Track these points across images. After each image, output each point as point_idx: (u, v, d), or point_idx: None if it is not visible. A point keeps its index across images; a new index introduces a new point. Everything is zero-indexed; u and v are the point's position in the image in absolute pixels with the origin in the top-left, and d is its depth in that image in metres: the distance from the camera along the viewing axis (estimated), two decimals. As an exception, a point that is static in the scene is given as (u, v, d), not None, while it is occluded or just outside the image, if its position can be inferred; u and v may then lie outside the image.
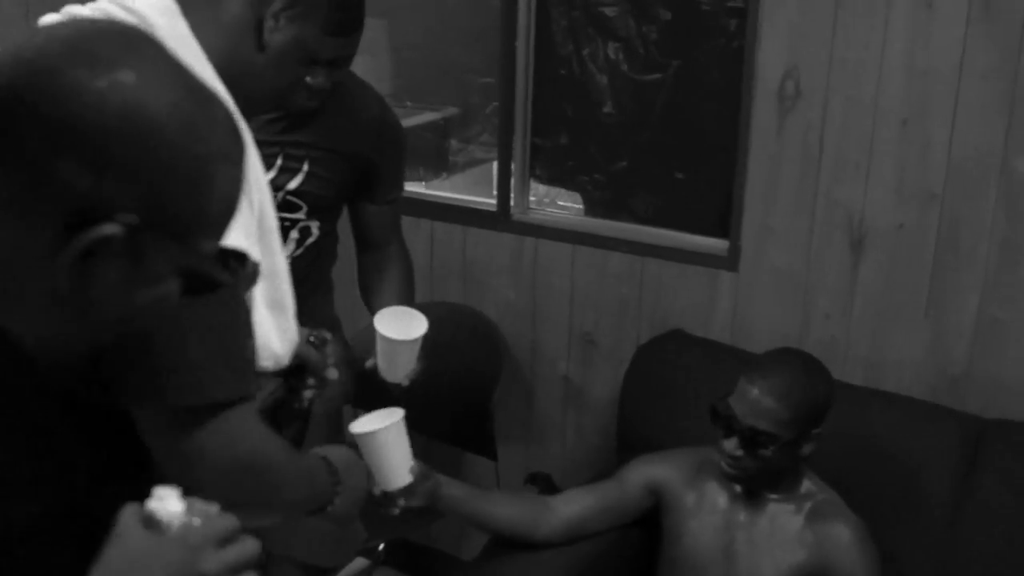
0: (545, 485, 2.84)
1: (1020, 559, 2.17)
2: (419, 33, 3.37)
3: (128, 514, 0.85)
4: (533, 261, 2.92)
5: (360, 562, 3.22)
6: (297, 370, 1.67)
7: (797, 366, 2.10)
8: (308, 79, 1.99)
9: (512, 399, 3.00)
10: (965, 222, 2.37)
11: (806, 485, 2.16)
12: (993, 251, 2.36)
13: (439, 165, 3.44)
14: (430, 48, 3.35)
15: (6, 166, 0.83)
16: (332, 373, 1.75)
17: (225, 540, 0.86)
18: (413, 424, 3.05)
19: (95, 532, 0.87)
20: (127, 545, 0.84)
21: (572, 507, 2.24)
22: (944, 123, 2.34)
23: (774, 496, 2.15)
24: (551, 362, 2.96)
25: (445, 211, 3.06)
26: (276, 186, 2.13)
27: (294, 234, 2.19)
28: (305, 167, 2.17)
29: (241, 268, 1.14)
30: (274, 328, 1.31)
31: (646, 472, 2.27)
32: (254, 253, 1.22)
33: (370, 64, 3.13)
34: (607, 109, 2.81)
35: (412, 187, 3.11)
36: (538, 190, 3.02)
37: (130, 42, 0.86)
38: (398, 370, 2.22)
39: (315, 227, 2.22)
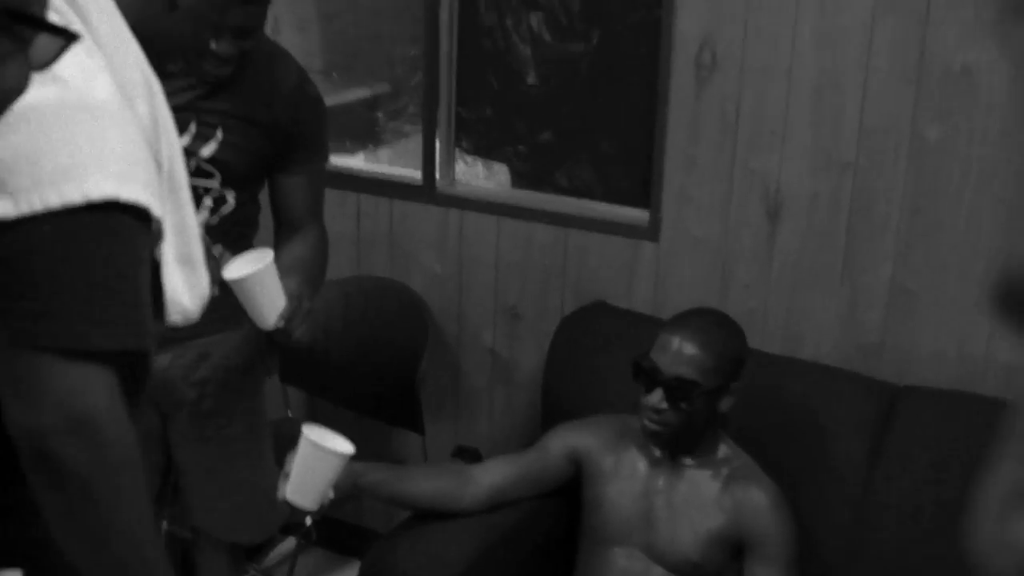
0: (472, 459, 2.85)
1: (930, 521, 2.22)
2: (347, 7, 3.35)
3: None
4: (459, 234, 2.93)
5: (289, 542, 3.23)
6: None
7: (714, 319, 2.18)
8: (214, 46, 2.00)
9: (439, 373, 3.01)
10: (877, 191, 2.41)
11: (723, 450, 2.19)
12: (904, 220, 2.39)
13: (367, 138, 3.43)
14: (358, 22, 3.34)
15: None
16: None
17: None
18: (341, 400, 3.06)
19: None
20: None
21: (493, 475, 2.26)
22: (855, 93, 2.37)
23: (692, 461, 2.18)
24: (477, 335, 2.97)
25: (371, 184, 3.05)
26: (189, 152, 2.12)
27: (207, 202, 2.18)
28: (219, 135, 2.16)
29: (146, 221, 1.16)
30: (183, 283, 1.32)
31: (566, 440, 2.29)
32: (156, 209, 1.22)
33: (299, 39, 3.12)
34: (531, 80, 2.82)
35: (339, 160, 3.11)
36: (472, 165, 3.03)
37: None
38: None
39: (231, 196, 2.21)
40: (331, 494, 2.04)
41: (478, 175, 3.04)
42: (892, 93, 2.34)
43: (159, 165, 1.26)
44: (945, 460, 2.24)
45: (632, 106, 2.71)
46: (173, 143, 1.31)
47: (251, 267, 2.05)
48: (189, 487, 2.47)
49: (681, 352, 2.07)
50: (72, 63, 1.13)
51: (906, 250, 2.40)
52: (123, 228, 1.18)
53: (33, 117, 1.13)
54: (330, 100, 2.45)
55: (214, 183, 2.19)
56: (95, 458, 1.17)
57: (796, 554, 2.12)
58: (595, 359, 2.61)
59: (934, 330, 2.41)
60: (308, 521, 2.79)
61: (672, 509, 2.17)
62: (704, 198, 2.59)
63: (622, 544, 2.18)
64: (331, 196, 2.46)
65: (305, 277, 2.20)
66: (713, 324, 2.15)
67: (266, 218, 2.36)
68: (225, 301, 2.30)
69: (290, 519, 2.62)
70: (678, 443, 2.17)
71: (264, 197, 2.35)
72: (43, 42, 0.97)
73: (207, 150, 2.16)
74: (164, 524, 2.94)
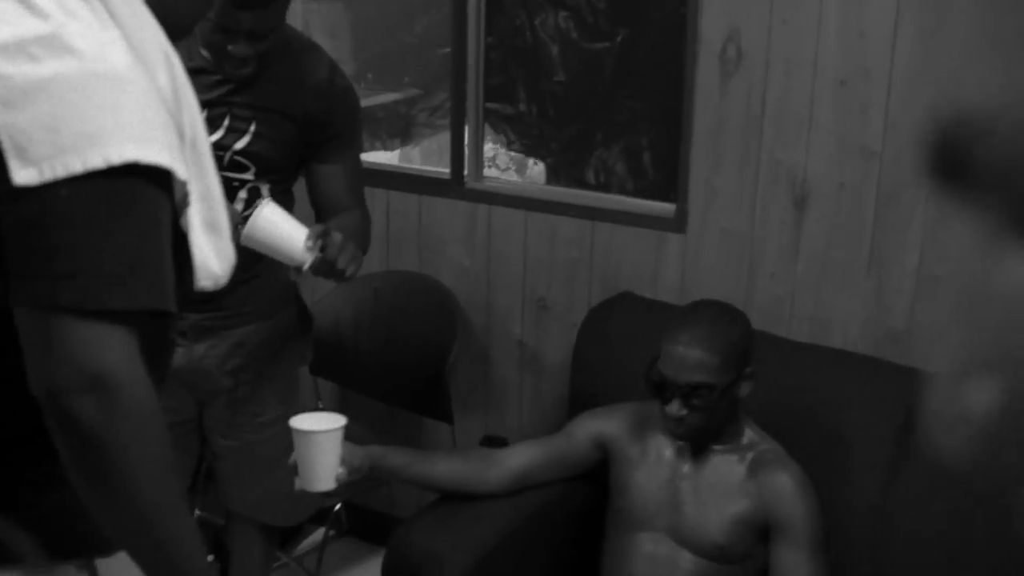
0: (500, 447, 2.89)
1: (957, 507, 2.23)
2: (377, 12, 3.40)
3: None
4: (487, 228, 2.97)
5: (320, 532, 3.27)
6: None
7: (711, 314, 2.15)
8: (230, 48, 2.07)
9: (468, 364, 3.05)
10: (903, 180, 2.43)
11: (748, 435, 2.21)
12: (931, 208, 2.41)
13: (402, 135, 3.47)
14: (389, 27, 3.39)
15: None
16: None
17: None
18: (372, 392, 3.10)
19: None
20: None
21: (518, 459, 2.28)
22: (881, 83, 2.40)
23: (718, 447, 2.20)
24: (505, 327, 3.01)
25: (400, 181, 3.10)
26: (223, 146, 2.17)
27: (243, 194, 2.23)
28: (252, 127, 2.20)
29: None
30: (211, 249, 1.34)
31: (592, 426, 2.32)
32: (181, 172, 1.24)
33: (330, 45, 3.17)
34: (558, 78, 2.86)
35: (371, 156, 3.16)
36: (507, 167, 3.08)
37: None
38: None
39: (264, 189, 2.26)
40: (342, 473, 2.05)
41: (514, 173, 3.09)
42: (918, 82, 2.36)
43: (181, 134, 1.28)
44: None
45: (657, 101, 2.74)
46: (195, 112, 1.33)
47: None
48: (225, 473, 2.52)
49: (687, 359, 2.07)
50: (87, 36, 1.18)
51: (932, 237, 2.42)
52: (144, 191, 1.20)
53: (51, 88, 1.16)
54: (362, 103, 2.48)
55: (248, 176, 2.24)
56: (112, 417, 1.18)
57: (823, 537, 2.13)
58: (622, 349, 2.63)
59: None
60: (337, 506, 2.82)
61: (698, 494, 2.19)
62: (730, 189, 2.61)
63: (649, 529, 2.21)
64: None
65: (338, 225, 2.13)
66: (711, 320, 2.12)
67: (300, 212, 2.40)
68: (260, 293, 2.35)
69: (322, 504, 2.66)
70: (704, 437, 2.19)
71: (299, 191, 2.39)
72: None
73: (241, 143, 2.21)
74: (196, 511, 2.99)
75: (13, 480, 1.32)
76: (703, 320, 2.12)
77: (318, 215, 2.33)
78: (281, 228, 2.00)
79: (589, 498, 2.36)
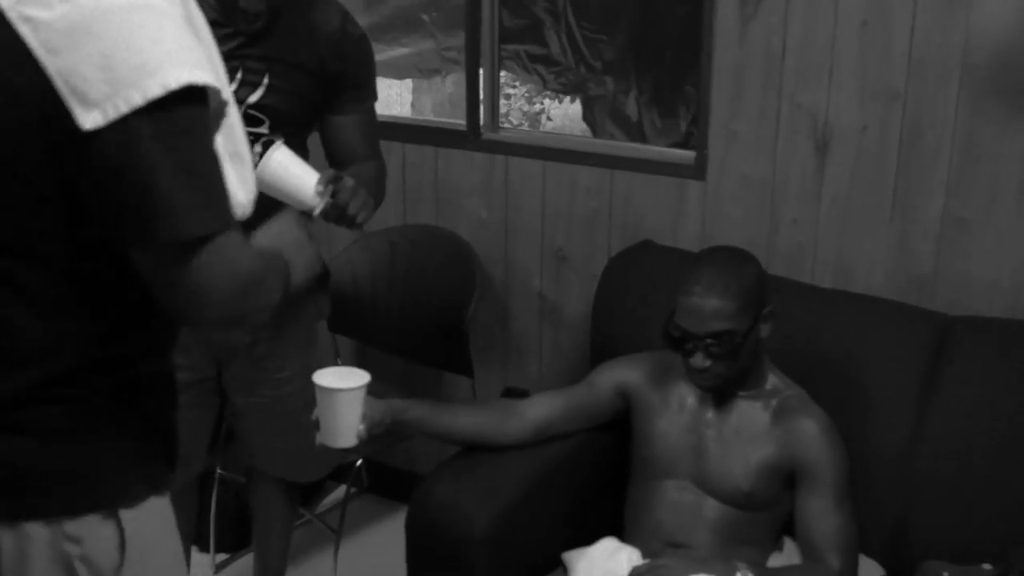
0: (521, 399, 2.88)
1: (982, 450, 2.21)
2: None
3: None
4: (504, 179, 2.94)
5: (341, 489, 3.28)
6: None
7: (721, 260, 2.12)
8: (241, 2, 2.05)
9: (488, 317, 3.03)
10: (928, 121, 2.39)
11: (772, 381, 2.19)
12: (957, 149, 2.37)
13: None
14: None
15: None
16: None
17: None
18: (391, 347, 3.09)
19: None
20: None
21: (540, 409, 2.27)
22: (904, 22, 2.35)
23: (742, 393, 2.18)
24: (525, 279, 2.98)
25: (415, 133, 3.06)
26: (238, 99, 2.14)
27: (257, 148, 2.20)
28: (265, 80, 2.17)
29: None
30: (237, 179, 1.36)
31: (614, 375, 2.30)
32: (226, 92, 1.28)
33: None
34: (574, 23, 2.82)
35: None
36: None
37: None
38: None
39: (280, 142, 2.23)
40: (362, 430, 2.03)
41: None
42: (941, 21, 2.31)
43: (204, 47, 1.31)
44: (998, 389, 2.22)
45: (676, 47, 2.70)
46: (211, 45, 1.34)
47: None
48: (246, 430, 2.51)
49: (704, 309, 2.05)
50: None
51: (958, 179, 2.38)
52: (200, 112, 1.24)
53: (94, 27, 1.17)
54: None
55: (263, 129, 2.21)
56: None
57: (849, 482, 2.11)
58: (643, 298, 2.61)
59: (987, 259, 2.39)
60: (358, 462, 2.82)
61: (723, 440, 2.17)
62: (751, 135, 2.58)
63: (673, 476, 2.19)
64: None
65: (352, 173, 2.10)
66: (722, 266, 2.09)
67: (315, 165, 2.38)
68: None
69: (343, 460, 2.65)
70: (730, 385, 2.17)
71: (313, 144, 2.37)
72: None
73: (254, 97, 2.18)
74: (218, 470, 3.00)
75: (46, 433, 1.33)
76: (714, 267, 2.09)
77: (333, 167, 2.30)
78: (292, 172, 1.97)
79: (612, 447, 2.34)
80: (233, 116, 1.34)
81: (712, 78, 2.57)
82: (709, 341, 2.05)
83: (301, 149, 2.32)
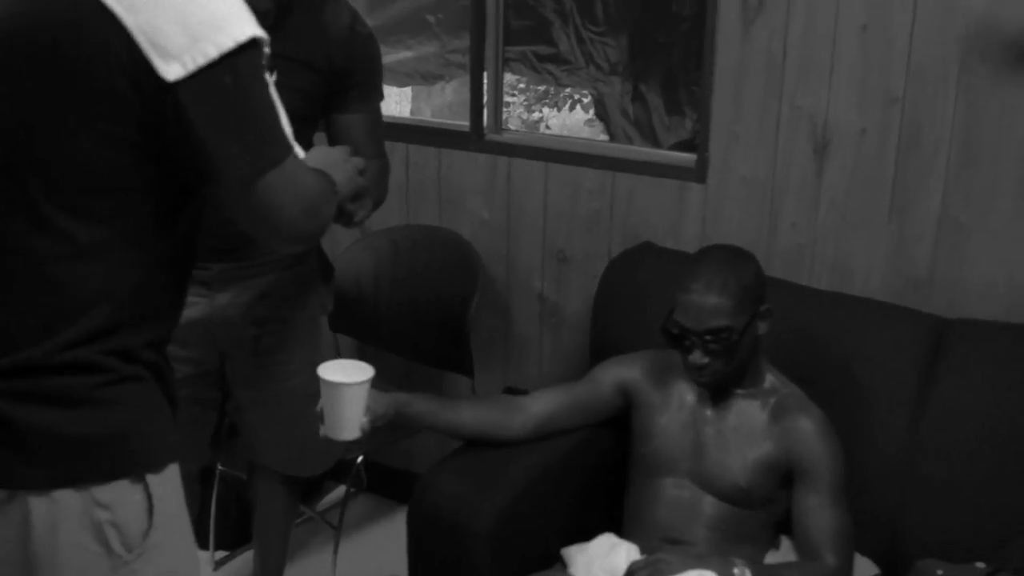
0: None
1: (979, 451, 2.23)
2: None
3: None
4: (507, 180, 2.96)
5: (340, 489, 3.29)
6: None
7: (719, 258, 2.15)
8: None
9: (489, 317, 3.05)
10: (926, 125, 2.41)
11: (770, 380, 2.21)
12: (954, 153, 2.40)
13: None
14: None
15: None
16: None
17: None
18: (392, 346, 3.11)
19: None
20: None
21: (542, 404, 2.29)
22: (903, 27, 2.38)
23: (740, 391, 2.20)
24: (526, 279, 3.01)
25: (419, 134, 3.09)
26: None
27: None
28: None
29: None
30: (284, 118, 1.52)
31: (615, 372, 2.33)
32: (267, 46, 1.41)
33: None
34: (580, 24, 2.85)
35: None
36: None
37: None
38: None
39: None
40: (365, 423, 2.06)
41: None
42: (940, 25, 2.34)
43: None
44: (993, 391, 2.25)
45: (679, 50, 2.73)
46: None
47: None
48: (249, 424, 2.53)
49: (702, 306, 2.07)
50: None
51: (955, 182, 2.41)
52: (260, 61, 1.40)
53: None
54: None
55: None
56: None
57: (845, 481, 2.13)
58: (643, 300, 2.63)
59: (984, 261, 2.42)
60: (359, 458, 2.84)
61: (721, 438, 2.19)
62: (751, 137, 2.60)
63: (672, 474, 2.21)
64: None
65: None
66: (721, 264, 2.12)
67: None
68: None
69: (345, 455, 2.67)
70: (727, 382, 2.19)
71: (320, 141, 2.39)
72: None
73: None
74: (219, 466, 3.02)
75: (75, 401, 1.38)
76: (712, 265, 2.12)
77: None
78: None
79: (612, 444, 2.36)
80: None
81: (714, 80, 2.60)
82: (707, 338, 2.08)
83: (307, 147, 2.34)
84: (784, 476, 2.16)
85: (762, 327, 2.14)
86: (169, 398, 1.52)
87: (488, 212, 3.01)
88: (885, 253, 2.52)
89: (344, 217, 2.03)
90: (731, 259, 2.14)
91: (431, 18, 3.40)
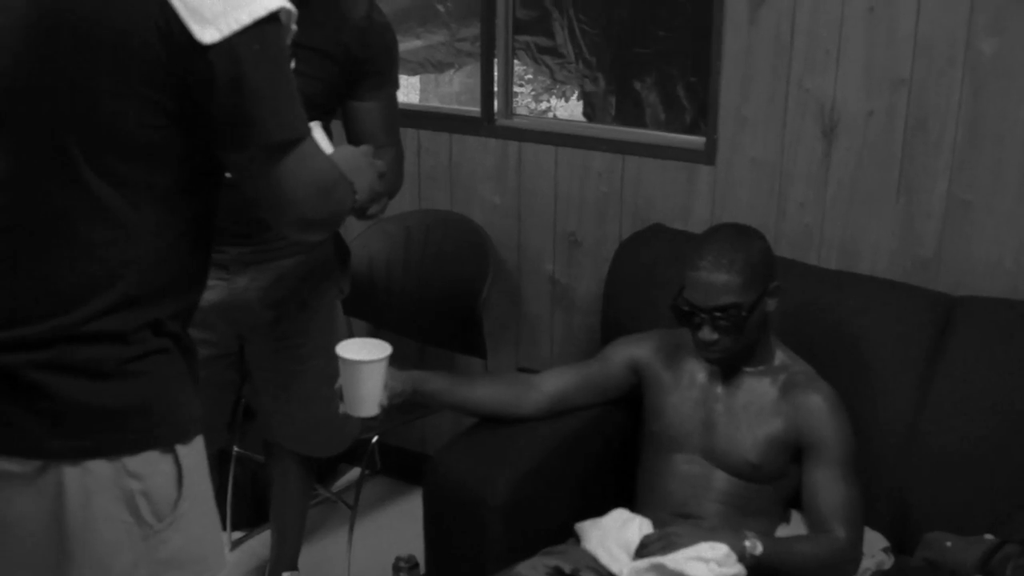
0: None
1: (986, 428, 2.26)
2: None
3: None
4: (517, 164, 3.00)
5: (355, 471, 3.33)
6: None
7: (728, 235, 2.18)
8: None
9: (500, 301, 3.09)
10: (933, 106, 2.44)
11: (780, 357, 2.25)
12: (961, 134, 2.43)
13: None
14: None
15: None
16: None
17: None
18: (405, 330, 3.15)
19: None
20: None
21: (555, 382, 2.33)
22: (909, 9, 2.41)
23: (750, 369, 2.23)
24: (537, 263, 3.04)
25: (430, 119, 3.12)
26: None
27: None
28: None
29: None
30: None
31: (627, 350, 2.36)
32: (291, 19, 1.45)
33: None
34: (574, 16, 2.88)
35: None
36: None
37: None
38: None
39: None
40: (384, 399, 2.11)
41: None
42: (946, 7, 2.37)
43: None
44: (1000, 367, 2.27)
45: (686, 33, 2.75)
46: None
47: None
48: (266, 406, 2.57)
49: (712, 283, 2.11)
50: None
51: (962, 163, 2.44)
52: (285, 33, 1.45)
53: None
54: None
55: None
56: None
57: (854, 456, 2.17)
58: (653, 282, 2.65)
59: (990, 241, 2.45)
60: (374, 439, 2.88)
61: (731, 415, 2.23)
62: (759, 120, 2.63)
63: (683, 450, 2.25)
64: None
65: None
66: (729, 242, 2.15)
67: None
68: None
69: (361, 436, 2.71)
70: (737, 359, 2.23)
71: (336, 129, 2.42)
72: None
73: None
74: (235, 448, 3.06)
75: (106, 373, 1.42)
76: (721, 243, 2.15)
77: None
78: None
79: (624, 421, 2.40)
80: None
81: (722, 63, 2.63)
82: (716, 315, 2.11)
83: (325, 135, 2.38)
84: (794, 451, 2.19)
85: (771, 304, 2.17)
86: (193, 373, 1.55)
87: (499, 197, 3.05)
88: (893, 233, 2.55)
89: (357, 210, 2.07)
90: (739, 237, 2.18)
91: (441, 7, 3.43)
